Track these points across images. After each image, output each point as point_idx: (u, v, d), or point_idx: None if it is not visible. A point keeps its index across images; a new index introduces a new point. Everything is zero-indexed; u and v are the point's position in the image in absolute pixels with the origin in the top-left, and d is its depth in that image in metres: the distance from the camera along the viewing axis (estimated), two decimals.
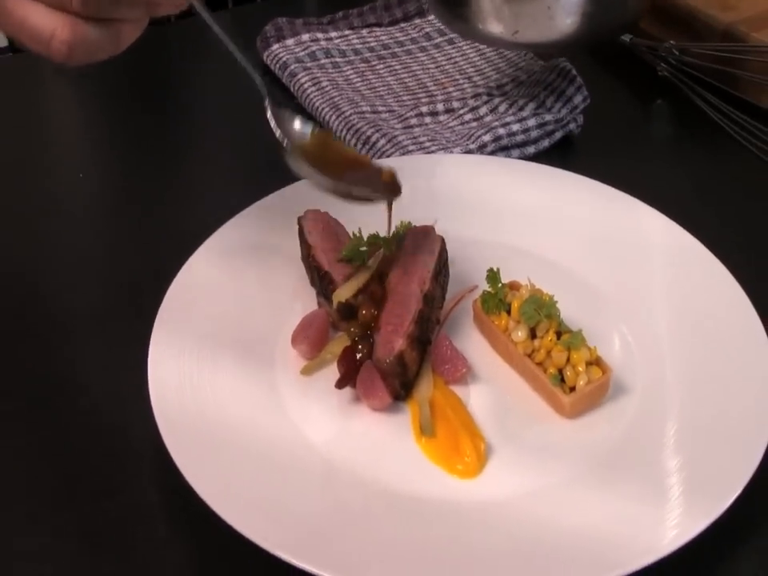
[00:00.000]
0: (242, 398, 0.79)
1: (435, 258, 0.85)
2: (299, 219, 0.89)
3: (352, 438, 0.78)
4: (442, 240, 0.86)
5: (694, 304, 0.86)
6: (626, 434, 0.77)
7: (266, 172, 1.00)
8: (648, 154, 1.12)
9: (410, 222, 0.89)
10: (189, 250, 0.89)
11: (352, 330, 0.82)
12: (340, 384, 0.79)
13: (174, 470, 0.71)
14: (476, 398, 0.80)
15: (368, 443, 0.77)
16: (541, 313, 0.80)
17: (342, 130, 1.08)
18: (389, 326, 0.80)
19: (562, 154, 1.10)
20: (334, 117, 1.10)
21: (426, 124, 1.10)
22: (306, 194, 0.91)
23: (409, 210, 0.90)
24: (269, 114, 0.79)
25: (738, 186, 1.07)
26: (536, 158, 1.07)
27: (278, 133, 0.79)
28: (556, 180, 1.00)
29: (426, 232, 0.87)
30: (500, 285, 0.84)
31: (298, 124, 0.82)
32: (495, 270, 0.84)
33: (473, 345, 0.85)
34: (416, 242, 0.86)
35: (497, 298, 0.84)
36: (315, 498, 0.72)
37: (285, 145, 0.79)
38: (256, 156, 1.07)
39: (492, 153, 1.06)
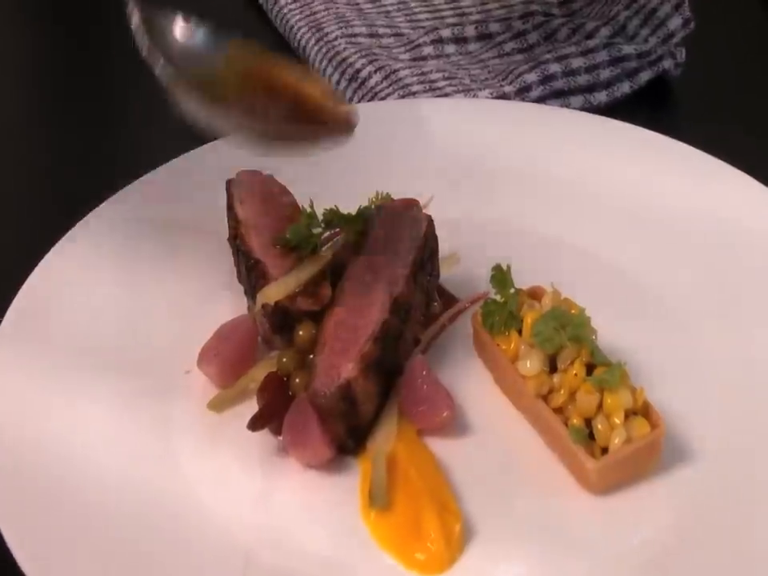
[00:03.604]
0: (116, 443, 0.78)
1: (416, 247, 0.83)
2: (228, 183, 0.88)
3: (273, 508, 0.77)
4: (430, 221, 0.84)
5: None
6: (679, 527, 0.74)
7: None
8: None
9: (388, 195, 0.87)
10: (70, 223, 0.90)
11: (284, 359, 0.81)
12: (254, 425, 0.77)
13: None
14: (460, 457, 0.78)
15: (295, 517, 0.76)
16: (564, 334, 0.78)
17: (321, 60, 1.08)
18: (336, 344, 0.79)
19: (649, 105, 1.08)
20: (312, 41, 1.09)
21: (447, 55, 1.09)
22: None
23: (396, 178, 0.89)
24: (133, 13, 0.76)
25: None
26: (609, 110, 1.05)
27: (145, 46, 0.75)
28: (632, 145, 0.98)
29: (408, 209, 0.85)
30: (512, 290, 0.82)
31: (183, 31, 0.78)
32: (505, 267, 0.82)
33: (467, 379, 0.83)
34: (391, 223, 0.85)
35: (506, 310, 0.82)
36: None
37: (160, 65, 0.76)
38: None
39: (539, 100, 1.04)
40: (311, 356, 0.80)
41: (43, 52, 1.19)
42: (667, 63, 1.06)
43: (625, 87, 1.05)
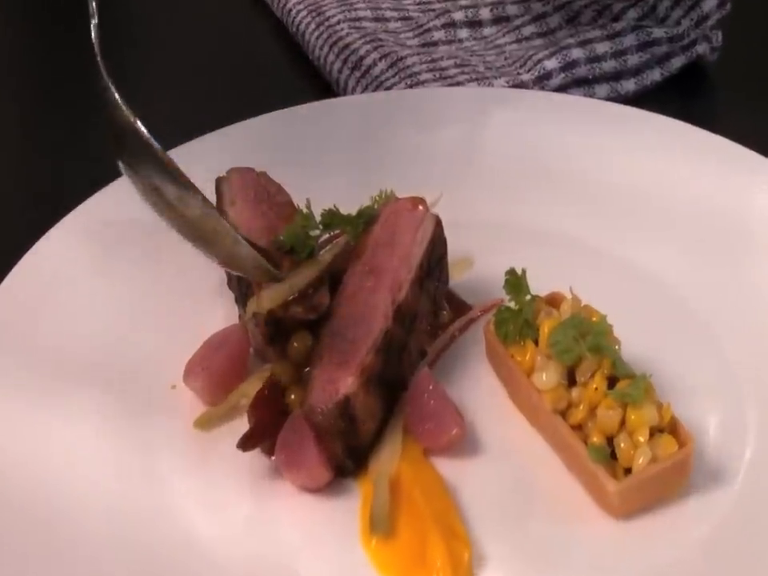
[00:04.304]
0: (98, 466, 0.78)
1: (422, 250, 0.83)
2: (218, 181, 0.88)
3: (266, 534, 0.77)
4: (437, 222, 0.85)
5: None
6: (708, 555, 0.74)
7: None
8: None
9: (392, 193, 0.87)
10: (47, 224, 0.90)
11: (278, 373, 0.81)
12: (245, 444, 0.77)
13: None
14: (469, 478, 0.78)
15: (289, 544, 0.76)
16: (584, 344, 0.78)
17: (322, 46, 1.08)
18: (334, 356, 0.79)
19: (682, 94, 1.08)
20: (312, 25, 1.10)
21: (460, 40, 1.10)
22: (235, 142, 0.91)
23: (401, 175, 0.89)
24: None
25: None
26: (638, 99, 1.05)
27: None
28: (662, 138, 0.98)
29: (413, 209, 0.85)
30: (528, 297, 0.82)
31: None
32: (519, 272, 0.82)
33: (478, 393, 0.83)
34: (395, 223, 0.85)
35: (521, 318, 0.82)
36: None
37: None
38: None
39: (561, 89, 1.04)
40: (307, 369, 0.79)
41: (27, 47, 1.21)
42: (701, 48, 1.06)
43: (655, 74, 1.05)
